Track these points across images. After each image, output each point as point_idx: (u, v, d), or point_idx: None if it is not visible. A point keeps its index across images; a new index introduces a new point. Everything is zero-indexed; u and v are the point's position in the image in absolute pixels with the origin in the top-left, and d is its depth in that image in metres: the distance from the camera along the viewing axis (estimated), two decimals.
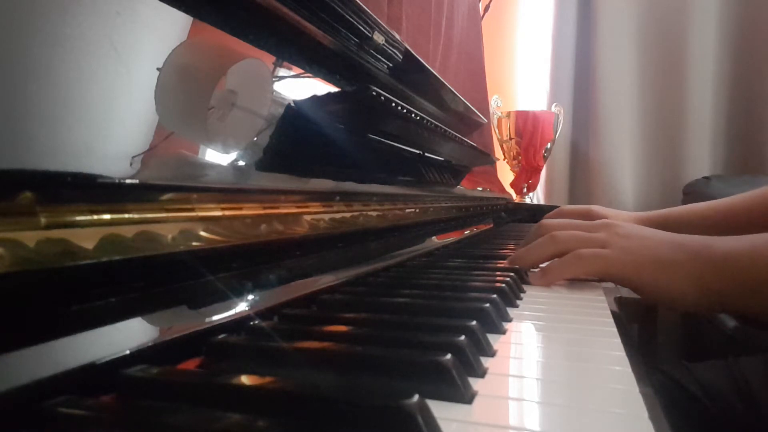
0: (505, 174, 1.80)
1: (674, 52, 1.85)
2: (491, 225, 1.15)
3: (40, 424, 0.18)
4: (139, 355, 0.22)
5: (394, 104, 0.46)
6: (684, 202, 1.67)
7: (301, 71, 0.47)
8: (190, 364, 0.25)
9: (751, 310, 0.47)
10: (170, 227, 0.26)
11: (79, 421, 0.18)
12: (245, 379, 0.20)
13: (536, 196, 1.86)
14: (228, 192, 0.32)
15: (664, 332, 1.75)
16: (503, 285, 0.44)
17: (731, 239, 0.48)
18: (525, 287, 0.52)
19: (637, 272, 0.49)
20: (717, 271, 0.46)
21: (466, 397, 0.23)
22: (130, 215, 0.24)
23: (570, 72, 1.92)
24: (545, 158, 1.77)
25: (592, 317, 0.41)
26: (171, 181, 0.27)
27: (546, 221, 0.56)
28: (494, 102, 1.78)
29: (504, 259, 0.60)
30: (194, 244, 0.28)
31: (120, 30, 0.27)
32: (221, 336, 0.27)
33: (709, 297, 0.46)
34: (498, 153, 1.78)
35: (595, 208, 0.89)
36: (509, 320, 0.38)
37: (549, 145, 1.75)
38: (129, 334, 0.24)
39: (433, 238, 0.76)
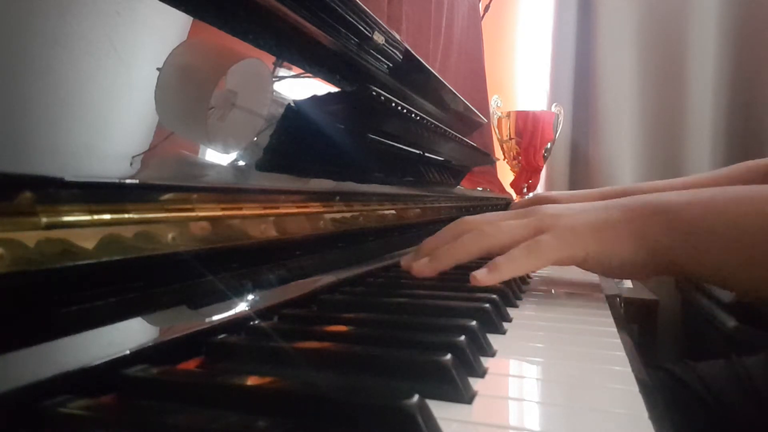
0: (505, 174, 1.79)
1: (674, 52, 1.84)
2: None
3: (40, 424, 0.18)
4: (139, 355, 0.22)
5: (394, 104, 0.46)
6: None
7: (301, 71, 0.47)
8: (190, 364, 0.25)
9: (703, 270, 0.43)
10: (170, 227, 0.26)
11: (79, 421, 0.18)
12: (245, 379, 0.20)
13: None
14: (228, 192, 0.32)
15: (664, 332, 1.75)
16: (503, 285, 0.44)
17: (672, 194, 0.45)
18: (525, 288, 0.52)
19: (582, 246, 0.44)
20: (663, 223, 0.43)
21: (466, 397, 0.23)
22: (130, 215, 0.24)
23: (570, 72, 1.92)
24: (545, 158, 1.77)
25: (592, 317, 0.41)
26: (171, 181, 0.27)
27: (467, 217, 0.50)
28: (494, 102, 1.78)
29: None
30: (194, 244, 0.28)
31: (120, 30, 0.27)
32: (221, 336, 0.27)
33: (659, 255, 0.43)
34: (498, 153, 1.78)
35: (541, 193, 0.82)
36: (509, 320, 0.38)
37: (549, 145, 1.75)
38: (129, 334, 0.24)
39: None
